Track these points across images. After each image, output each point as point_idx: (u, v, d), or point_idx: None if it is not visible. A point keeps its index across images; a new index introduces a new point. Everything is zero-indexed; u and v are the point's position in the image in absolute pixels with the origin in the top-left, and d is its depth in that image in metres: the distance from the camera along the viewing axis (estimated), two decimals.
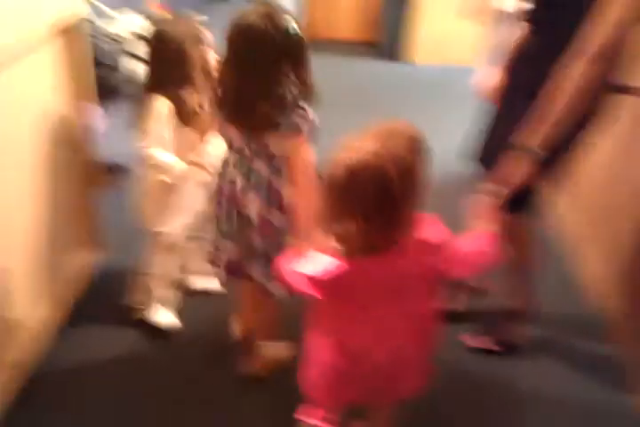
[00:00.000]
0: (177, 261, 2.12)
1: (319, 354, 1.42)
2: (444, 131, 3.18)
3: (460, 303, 2.18)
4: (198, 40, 1.79)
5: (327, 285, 1.27)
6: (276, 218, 1.61)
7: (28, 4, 1.73)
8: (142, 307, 2.11)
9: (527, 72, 1.74)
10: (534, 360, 2.05)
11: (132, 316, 2.12)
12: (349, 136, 1.21)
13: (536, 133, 1.55)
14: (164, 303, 2.12)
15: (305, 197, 1.53)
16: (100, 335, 2.09)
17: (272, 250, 1.61)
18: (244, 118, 1.53)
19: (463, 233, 1.36)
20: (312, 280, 1.28)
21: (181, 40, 1.76)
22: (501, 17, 2.70)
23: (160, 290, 2.10)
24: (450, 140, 2.68)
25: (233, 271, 1.72)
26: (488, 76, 1.93)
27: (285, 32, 1.47)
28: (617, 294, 2.18)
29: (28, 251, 1.92)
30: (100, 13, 2.90)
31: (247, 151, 1.58)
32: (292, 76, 1.50)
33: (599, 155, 2.40)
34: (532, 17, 1.74)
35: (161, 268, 2.07)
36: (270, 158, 1.57)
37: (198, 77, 1.80)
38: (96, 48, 2.54)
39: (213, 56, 1.81)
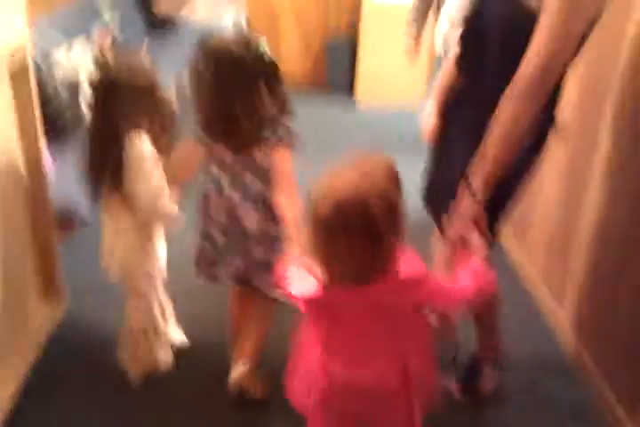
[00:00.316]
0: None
1: (307, 369, 1.44)
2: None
3: None
4: (155, 76, 1.80)
5: (304, 304, 1.36)
6: (272, 228, 1.71)
7: None
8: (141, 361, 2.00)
9: (458, 111, 1.76)
10: (508, 407, 2.00)
11: (132, 375, 2.01)
12: (328, 171, 1.25)
13: (478, 173, 1.55)
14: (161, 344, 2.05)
15: (291, 203, 1.64)
16: (68, 392, 1.98)
17: (271, 258, 1.68)
18: (230, 137, 1.66)
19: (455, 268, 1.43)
20: (292, 297, 1.37)
21: (149, 80, 1.76)
22: (444, 59, 2.76)
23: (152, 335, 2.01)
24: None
25: (240, 281, 1.81)
26: (428, 117, 1.95)
27: (259, 55, 1.63)
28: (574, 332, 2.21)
29: None
30: (50, 52, 2.83)
31: (238, 167, 1.70)
32: (269, 95, 1.65)
33: (549, 189, 2.48)
34: (458, 59, 1.76)
35: (148, 314, 1.98)
36: (260, 172, 1.69)
37: (164, 111, 1.80)
38: (46, 90, 2.47)
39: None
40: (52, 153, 2.42)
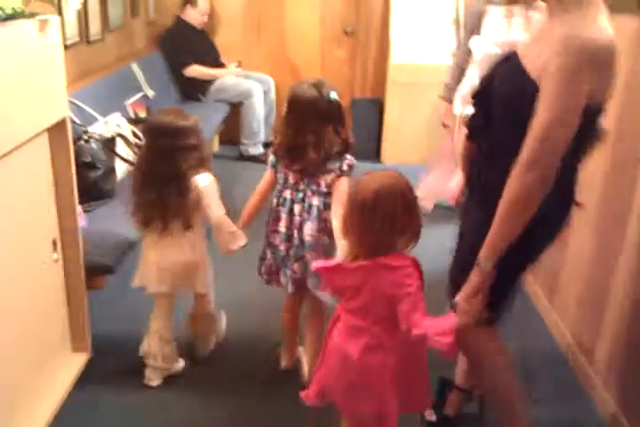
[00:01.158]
0: None
1: None
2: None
3: (452, 407, 2.09)
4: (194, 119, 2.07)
5: (322, 275, 1.67)
6: (325, 241, 2.02)
7: (19, 105, 1.75)
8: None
9: (474, 175, 1.75)
10: None
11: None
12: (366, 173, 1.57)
13: (487, 243, 1.54)
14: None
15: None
16: None
17: None
18: (298, 164, 1.98)
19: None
20: (315, 271, 1.66)
21: (192, 121, 2.03)
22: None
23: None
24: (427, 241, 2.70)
25: (297, 285, 2.10)
26: (456, 180, 1.97)
27: (330, 100, 1.94)
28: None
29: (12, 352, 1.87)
30: (85, 116, 2.95)
31: (305, 189, 2.02)
32: (335, 133, 1.96)
33: (580, 249, 2.45)
34: (469, 123, 1.77)
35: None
36: (322, 194, 2.01)
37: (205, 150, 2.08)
38: (82, 149, 2.55)
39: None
40: (86, 210, 2.48)
